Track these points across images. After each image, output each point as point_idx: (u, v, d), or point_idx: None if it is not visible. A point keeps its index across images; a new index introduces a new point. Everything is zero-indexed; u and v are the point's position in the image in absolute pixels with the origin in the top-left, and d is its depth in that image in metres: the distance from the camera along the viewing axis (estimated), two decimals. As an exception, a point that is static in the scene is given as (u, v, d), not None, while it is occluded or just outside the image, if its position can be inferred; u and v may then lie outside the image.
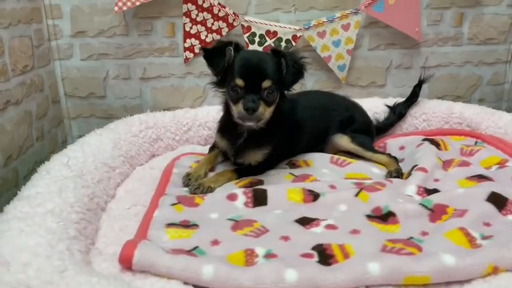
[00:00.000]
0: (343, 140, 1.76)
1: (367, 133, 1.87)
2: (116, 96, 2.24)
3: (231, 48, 1.46)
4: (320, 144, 1.81)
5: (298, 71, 1.49)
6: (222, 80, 1.52)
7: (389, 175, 1.60)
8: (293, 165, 1.70)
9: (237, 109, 1.44)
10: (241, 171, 1.63)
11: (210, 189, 1.51)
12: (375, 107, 2.09)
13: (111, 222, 1.38)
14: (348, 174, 1.62)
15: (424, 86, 2.26)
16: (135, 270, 1.06)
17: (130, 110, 2.18)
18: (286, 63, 1.45)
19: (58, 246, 1.03)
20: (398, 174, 1.60)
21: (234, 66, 1.45)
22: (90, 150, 1.62)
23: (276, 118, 1.56)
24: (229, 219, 1.30)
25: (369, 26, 2.17)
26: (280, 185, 1.50)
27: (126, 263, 1.06)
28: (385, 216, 1.31)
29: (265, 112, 1.45)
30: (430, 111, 2.05)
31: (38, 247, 1.00)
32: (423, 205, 1.34)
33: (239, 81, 1.42)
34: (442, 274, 1.03)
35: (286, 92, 1.55)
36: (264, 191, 1.44)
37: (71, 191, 1.31)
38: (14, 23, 1.78)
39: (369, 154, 1.73)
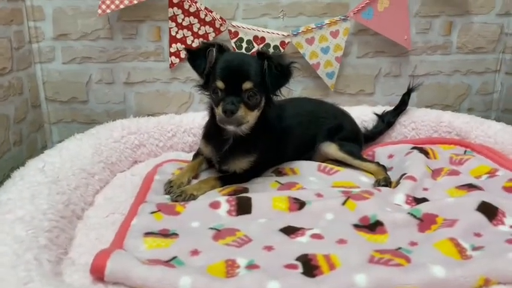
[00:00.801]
0: (331, 148, 1.72)
1: (356, 141, 1.83)
2: (99, 101, 2.18)
3: (214, 49, 1.42)
4: (308, 152, 1.75)
5: (282, 75, 1.43)
6: (207, 83, 1.47)
7: (378, 184, 1.56)
8: (279, 173, 1.65)
9: (218, 112, 1.40)
10: (225, 179, 1.57)
11: (193, 197, 1.45)
12: (363, 114, 2.06)
13: (87, 231, 1.31)
14: (335, 183, 1.57)
15: (413, 95, 2.24)
16: (108, 282, 1.00)
17: (113, 116, 2.12)
18: (268, 65, 1.40)
19: (25, 256, 0.97)
20: (386, 182, 1.56)
21: (216, 68, 1.41)
22: (69, 155, 1.57)
23: (262, 124, 1.51)
24: (211, 228, 1.24)
25: (358, 34, 2.14)
26: (265, 193, 1.45)
27: (98, 273, 1.00)
28: (372, 226, 1.26)
29: (247, 116, 1.40)
30: (419, 120, 2.02)
31: (3, 256, 0.94)
32: (412, 214, 1.30)
33: (219, 83, 1.38)
34: (432, 286, 0.98)
35: (273, 97, 1.50)
36: (249, 199, 1.38)
37: (44, 197, 1.25)
38: (-8, 24, 1.73)
39: (357, 162, 1.69)
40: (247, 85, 1.38)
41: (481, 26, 2.17)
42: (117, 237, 1.16)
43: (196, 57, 1.45)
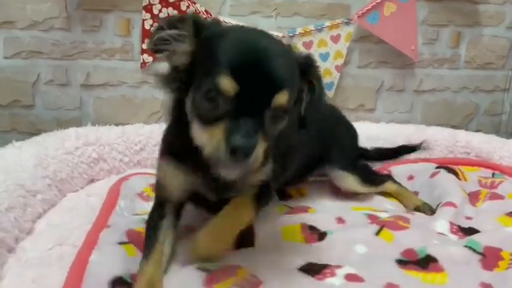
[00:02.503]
0: (349, 181, 1.32)
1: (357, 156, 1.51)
2: (48, 106, 1.81)
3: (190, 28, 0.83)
4: (308, 172, 1.39)
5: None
6: (182, 79, 0.85)
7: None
8: (283, 195, 1.31)
9: (211, 142, 0.77)
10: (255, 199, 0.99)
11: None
12: (367, 129, 1.77)
13: (21, 270, 0.96)
14: (354, 208, 1.25)
15: (417, 113, 2.03)
16: None
17: (65, 125, 1.71)
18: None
19: None
20: (429, 211, 1.28)
21: (211, 55, 0.79)
22: (2, 166, 1.18)
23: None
24: (200, 269, 0.87)
25: (360, 40, 1.90)
26: (271, 222, 1.10)
27: None
28: (422, 262, 0.96)
29: (260, 153, 0.78)
30: (432, 139, 1.75)
31: None
32: (469, 247, 0.99)
33: (227, 83, 0.75)
34: None
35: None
36: (250, 227, 1.03)
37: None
38: None
39: (380, 188, 1.39)
40: (281, 99, 0.78)
41: (491, 39, 2.00)
42: (69, 281, 0.76)
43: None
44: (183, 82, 0.83)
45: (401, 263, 0.95)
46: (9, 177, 1.16)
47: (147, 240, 0.91)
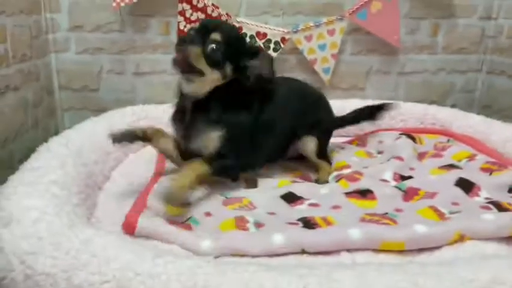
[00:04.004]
0: (309, 147, 1.63)
1: (329, 133, 1.77)
2: (109, 89, 2.31)
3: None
4: (286, 149, 1.66)
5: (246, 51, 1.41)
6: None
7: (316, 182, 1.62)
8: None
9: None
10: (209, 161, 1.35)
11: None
12: (354, 106, 2.21)
13: (108, 200, 1.45)
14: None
15: (401, 90, 2.43)
16: (137, 236, 1.15)
17: (122, 104, 2.24)
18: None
19: (64, 208, 1.10)
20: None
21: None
22: (87, 135, 1.70)
23: (231, 95, 1.40)
24: (221, 195, 1.40)
25: (352, 33, 2.31)
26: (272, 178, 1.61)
27: (129, 229, 1.14)
28: (363, 192, 1.42)
29: (205, 68, 1.32)
30: (408, 113, 2.19)
31: (46, 207, 1.07)
32: (397, 187, 1.46)
33: (187, 35, 1.39)
34: (415, 241, 1.14)
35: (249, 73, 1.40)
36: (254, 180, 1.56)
37: (70, 166, 1.38)
38: (17, 13, 1.86)
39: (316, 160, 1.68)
40: (214, 36, 1.33)
41: (465, 28, 2.36)
42: (141, 198, 1.31)
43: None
44: None
45: (347, 193, 1.41)
46: (93, 142, 1.65)
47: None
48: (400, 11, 2.27)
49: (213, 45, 1.32)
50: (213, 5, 2.16)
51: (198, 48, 1.31)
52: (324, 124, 1.71)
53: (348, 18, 2.24)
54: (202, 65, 1.32)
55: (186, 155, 1.44)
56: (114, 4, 2.07)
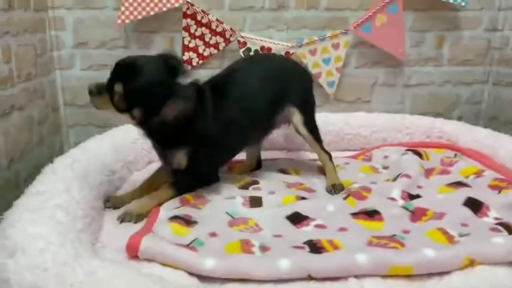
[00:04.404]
0: (296, 119, 1.67)
1: (313, 105, 1.78)
2: (114, 105, 2.31)
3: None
4: (277, 114, 1.67)
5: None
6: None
7: (331, 191, 1.63)
8: (284, 172, 1.81)
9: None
10: (177, 185, 1.53)
11: (141, 218, 1.41)
12: (361, 120, 2.21)
13: (114, 221, 1.44)
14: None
15: (407, 103, 2.42)
16: (141, 259, 1.14)
17: (126, 119, 2.25)
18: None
19: (69, 236, 1.10)
20: (334, 189, 1.63)
21: None
22: (92, 154, 1.69)
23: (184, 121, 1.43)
24: (227, 214, 1.39)
25: (356, 46, 2.31)
26: (275, 195, 1.59)
27: (132, 251, 1.14)
28: (369, 213, 1.40)
29: (111, 109, 1.45)
30: (413, 126, 2.18)
31: (51, 236, 1.07)
32: (405, 208, 1.45)
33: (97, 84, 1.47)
34: (424, 266, 1.11)
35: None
36: (260, 198, 1.54)
37: (76, 190, 1.37)
38: (21, 32, 1.87)
39: (315, 146, 1.72)
40: (116, 87, 1.40)
41: (470, 40, 2.35)
42: (147, 223, 1.31)
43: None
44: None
45: (354, 214, 1.40)
46: (98, 161, 1.67)
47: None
48: (404, 24, 2.26)
49: (117, 95, 1.40)
50: (217, 20, 2.16)
51: (104, 97, 1.44)
52: (303, 92, 1.72)
53: (352, 31, 2.24)
54: (111, 110, 1.44)
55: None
56: (119, 21, 2.08)
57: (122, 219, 1.40)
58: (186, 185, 1.55)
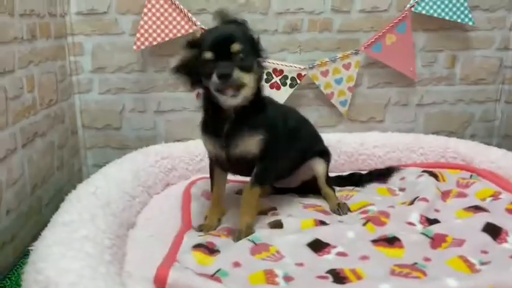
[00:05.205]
0: (320, 166, 1.74)
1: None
2: (131, 127, 2.36)
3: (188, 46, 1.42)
4: (298, 166, 1.75)
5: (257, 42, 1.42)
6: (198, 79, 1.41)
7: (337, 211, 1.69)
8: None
9: (212, 83, 1.31)
10: (256, 180, 1.49)
11: (250, 231, 1.47)
12: (375, 140, 2.23)
13: (136, 249, 1.47)
14: (352, 206, 1.74)
15: (420, 122, 2.44)
16: (170, 292, 1.16)
17: (144, 141, 2.30)
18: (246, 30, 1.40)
19: (99, 269, 1.13)
20: (340, 210, 1.68)
21: (201, 46, 1.35)
22: (113, 179, 1.71)
23: (262, 100, 1.47)
24: (249, 240, 1.41)
25: (368, 66, 2.34)
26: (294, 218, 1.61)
27: (160, 283, 1.16)
28: (390, 240, 1.41)
29: (245, 78, 1.32)
30: (427, 146, 2.19)
31: (82, 270, 1.10)
32: (424, 234, 1.46)
33: (207, 54, 1.31)
34: (447, 296, 1.14)
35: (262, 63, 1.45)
36: (279, 220, 1.56)
37: (101, 218, 1.41)
38: (43, 61, 1.92)
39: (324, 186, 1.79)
40: (236, 47, 1.30)
41: (482, 60, 2.37)
42: (171, 251, 1.33)
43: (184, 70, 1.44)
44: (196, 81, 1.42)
45: (374, 241, 1.41)
46: (119, 187, 1.69)
47: (211, 179, 1.65)
48: (414, 43, 2.29)
49: (240, 56, 1.32)
50: (232, 44, 2.19)
51: (238, 73, 1.31)
52: (328, 153, 1.81)
53: (363, 51, 2.27)
54: (246, 78, 1.33)
55: (226, 164, 1.51)
56: (135, 47, 2.13)
57: (238, 239, 1.44)
58: (265, 175, 1.51)
